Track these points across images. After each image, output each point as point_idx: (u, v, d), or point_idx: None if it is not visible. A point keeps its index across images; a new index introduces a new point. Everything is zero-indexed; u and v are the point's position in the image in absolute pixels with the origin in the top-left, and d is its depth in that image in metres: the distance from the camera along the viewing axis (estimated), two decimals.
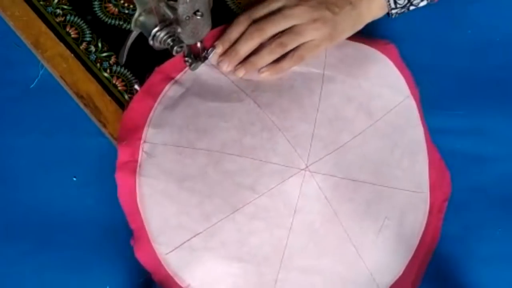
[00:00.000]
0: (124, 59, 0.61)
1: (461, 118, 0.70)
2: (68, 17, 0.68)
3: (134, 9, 0.57)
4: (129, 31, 0.59)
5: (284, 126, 0.60)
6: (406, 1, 0.64)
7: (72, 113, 0.66)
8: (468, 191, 0.68)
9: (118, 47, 0.63)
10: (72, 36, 0.67)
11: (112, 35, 0.67)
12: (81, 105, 0.66)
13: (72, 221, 0.63)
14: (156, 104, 0.63)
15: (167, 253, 0.59)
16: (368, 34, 0.68)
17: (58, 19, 0.68)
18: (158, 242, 0.59)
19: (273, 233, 0.59)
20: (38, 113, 0.67)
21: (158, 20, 0.55)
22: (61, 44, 0.67)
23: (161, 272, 0.59)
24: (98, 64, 0.66)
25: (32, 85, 0.68)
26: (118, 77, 0.66)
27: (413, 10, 0.67)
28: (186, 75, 0.65)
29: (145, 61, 0.65)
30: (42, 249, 0.63)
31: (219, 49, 0.63)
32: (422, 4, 0.65)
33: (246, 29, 0.63)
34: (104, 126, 0.64)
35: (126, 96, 0.65)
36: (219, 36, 0.65)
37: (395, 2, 0.64)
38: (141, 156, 0.61)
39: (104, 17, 0.68)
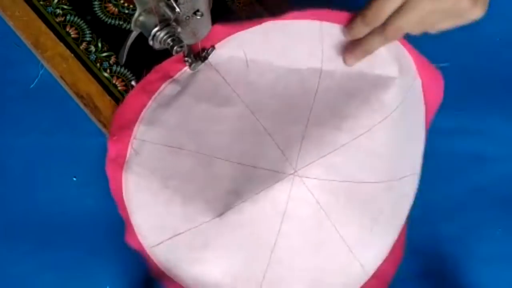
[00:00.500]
0: (124, 59, 0.61)
1: (461, 118, 0.70)
2: (68, 17, 0.68)
3: (134, 9, 0.57)
4: (129, 31, 0.59)
5: (274, 130, 0.59)
6: None
7: (72, 113, 0.67)
8: (468, 191, 0.68)
9: (118, 47, 0.63)
10: (72, 36, 0.67)
11: (112, 35, 0.67)
12: (81, 105, 0.66)
13: (72, 221, 0.64)
14: (150, 102, 0.63)
15: (152, 247, 0.60)
16: None
17: (58, 19, 0.68)
18: (143, 236, 0.60)
19: (260, 238, 0.58)
20: (38, 113, 0.67)
21: (158, 20, 0.55)
22: (61, 44, 0.67)
23: (149, 260, 0.60)
24: (98, 64, 0.66)
25: (32, 85, 0.68)
26: (118, 77, 0.66)
27: None
28: (184, 74, 0.65)
29: (145, 61, 0.65)
30: (42, 249, 0.63)
31: (348, 36, 0.59)
32: None
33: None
34: (104, 126, 0.64)
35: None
36: (219, 36, 0.65)
37: None
38: (129, 152, 0.61)
39: (104, 17, 0.68)
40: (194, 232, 0.59)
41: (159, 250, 0.60)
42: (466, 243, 0.66)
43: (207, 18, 0.58)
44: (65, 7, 0.68)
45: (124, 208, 0.60)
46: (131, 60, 0.63)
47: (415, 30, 0.56)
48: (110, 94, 0.65)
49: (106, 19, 0.68)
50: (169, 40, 0.56)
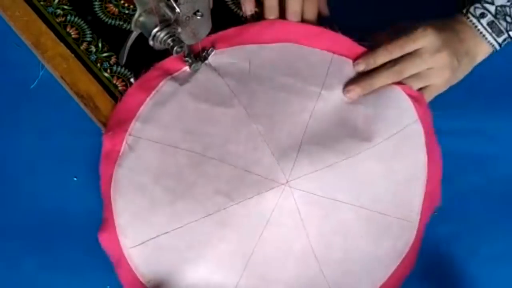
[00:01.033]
0: (124, 59, 0.61)
1: (461, 118, 0.70)
2: (68, 17, 0.68)
3: (134, 10, 0.57)
4: (129, 32, 0.59)
5: (271, 138, 0.60)
6: (506, 35, 0.66)
7: (72, 113, 0.66)
8: (468, 191, 0.68)
9: (118, 47, 0.63)
10: (73, 36, 0.67)
11: (112, 35, 0.68)
12: (81, 105, 0.66)
13: (72, 221, 0.64)
14: (148, 99, 0.63)
15: (131, 247, 0.59)
16: (369, 35, 0.68)
17: (58, 19, 0.68)
18: (124, 235, 0.59)
19: (242, 241, 0.59)
20: (38, 113, 0.67)
21: (158, 21, 0.55)
22: (62, 44, 0.67)
23: (123, 265, 0.60)
24: (99, 64, 0.66)
25: (33, 85, 0.68)
26: (118, 77, 0.66)
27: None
28: (183, 73, 0.65)
29: (145, 61, 0.65)
30: (42, 249, 0.63)
31: (360, 67, 0.65)
32: None
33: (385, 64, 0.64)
34: (105, 126, 0.64)
35: None
36: (222, 39, 0.65)
37: (499, 44, 0.66)
38: (124, 147, 0.61)
39: (104, 17, 0.68)
40: (179, 232, 0.59)
41: (138, 252, 0.59)
42: (466, 243, 0.66)
43: (207, 18, 0.59)
44: (65, 7, 0.68)
45: (109, 204, 0.60)
46: (132, 60, 0.63)
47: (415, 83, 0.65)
48: (111, 94, 0.65)
49: (107, 20, 0.68)
50: (169, 41, 0.57)
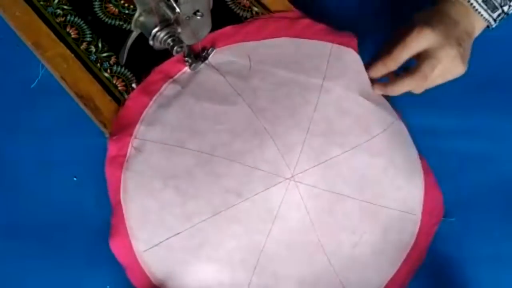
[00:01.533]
0: (124, 59, 0.61)
1: (459, 118, 0.70)
2: (68, 18, 0.68)
3: (134, 9, 0.57)
4: (129, 31, 0.59)
5: (276, 133, 0.61)
6: (500, 11, 0.66)
7: (72, 113, 0.66)
8: (467, 191, 0.68)
9: (118, 47, 0.63)
10: (73, 36, 0.67)
11: (112, 35, 0.68)
12: (81, 105, 0.66)
13: (72, 221, 0.63)
14: (151, 102, 0.63)
15: (144, 251, 0.59)
16: (368, 35, 0.68)
17: (58, 20, 0.68)
18: (137, 238, 0.59)
19: (251, 238, 0.59)
20: (38, 113, 0.67)
21: (158, 20, 0.55)
22: (62, 44, 0.67)
23: (135, 268, 0.59)
24: (99, 64, 0.66)
25: (33, 85, 0.68)
26: (118, 77, 0.66)
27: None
28: (184, 74, 0.65)
29: (145, 61, 0.65)
30: (42, 249, 0.63)
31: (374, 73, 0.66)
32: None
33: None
34: (104, 126, 0.64)
35: (126, 96, 0.65)
36: (221, 37, 0.65)
37: (494, 20, 0.66)
38: (130, 151, 0.61)
39: (104, 17, 0.68)
40: (191, 232, 0.59)
41: (151, 255, 0.59)
42: (466, 243, 0.66)
43: (207, 18, 0.59)
44: (65, 7, 0.68)
45: (119, 211, 0.60)
46: (131, 60, 0.63)
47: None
48: (111, 94, 0.65)
49: (107, 20, 0.68)
50: (169, 40, 0.57)
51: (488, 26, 0.66)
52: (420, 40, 0.62)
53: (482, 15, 0.65)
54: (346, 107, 0.64)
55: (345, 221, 0.61)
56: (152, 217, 0.60)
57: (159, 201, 0.60)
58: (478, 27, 0.66)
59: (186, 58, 0.64)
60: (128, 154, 0.62)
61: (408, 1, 0.73)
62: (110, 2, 0.69)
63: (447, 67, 0.63)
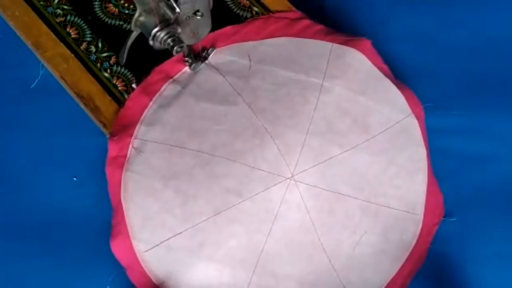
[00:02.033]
0: (124, 59, 0.61)
1: (461, 118, 0.70)
2: (68, 17, 0.68)
3: (134, 9, 0.57)
4: (129, 31, 0.59)
5: (276, 133, 0.61)
6: None
7: (72, 113, 0.66)
8: (468, 191, 0.68)
9: (118, 47, 0.63)
10: (73, 36, 0.67)
11: (112, 35, 0.68)
12: (81, 105, 0.66)
13: (72, 221, 0.63)
14: (151, 103, 0.64)
15: (145, 251, 0.59)
16: (368, 35, 0.68)
17: (58, 19, 0.68)
18: (138, 239, 0.59)
19: (252, 238, 0.59)
20: (38, 113, 0.67)
21: (158, 20, 0.55)
22: (62, 44, 0.67)
23: (136, 268, 0.59)
24: (99, 64, 0.66)
25: (33, 85, 0.68)
26: (118, 77, 0.66)
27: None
28: (184, 75, 0.65)
29: (145, 61, 0.65)
30: (42, 249, 0.63)
31: None
32: None
33: None
34: (104, 126, 0.64)
35: (126, 96, 0.65)
36: (221, 37, 0.65)
37: None
38: (130, 151, 0.62)
39: (104, 17, 0.68)
40: (191, 232, 0.59)
41: (151, 255, 0.59)
42: (465, 243, 0.66)
43: (207, 18, 0.59)
44: (65, 7, 0.68)
45: (119, 211, 0.60)
46: (131, 60, 0.63)
47: None
48: (111, 94, 0.65)
49: (107, 20, 0.68)
50: (169, 40, 0.57)
51: None
52: None
53: None
54: (346, 107, 0.64)
55: (345, 220, 0.61)
56: (152, 217, 0.60)
57: (160, 201, 0.60)
58: None
59: (186, 58, 0.64)
60: (128, 155, 0.62)
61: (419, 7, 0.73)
62: (110, 2, 0.69)
63: None
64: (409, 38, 0.73)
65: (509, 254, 0.66)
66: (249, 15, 0.69)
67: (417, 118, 0.66)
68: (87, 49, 0.67)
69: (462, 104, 0.70)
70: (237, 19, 0.69)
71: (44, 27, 0.67)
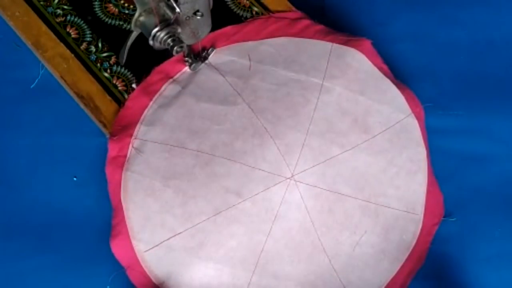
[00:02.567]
0: (124, 59, 0.61)
1: (461, 118, 0.70)
2: (68, 17, 0.68)
3: (134, 9, 0.57)
4: (129, 31, 0.59)
5: (276, 133, 0.61)
6: None
7: (72, 113, 0.67)
8: (468, 191, 0.68)
9: (118, 47, 0.63)
10: (73, 36, 0.67)
11: (112, 35, 0.68)
12: (81, 105, 0.66)
13: (72, 221, 0.63)
14: (151, 103, 0.64)
15: (145, 251, 0.59)
16: (368, 35, 0.68)
17: (58, 19, 0.68)
18: (138, 239, 0.59)
19: (252, 238, 0.59)
20: (38, 113, 0.67)
21: (158, 20, 0.55)
22: (62, 44, 0.67)
23: (136, 268, 0.59)
24: (99, 64, 0.66)
25: (33, 85, 0.68)
26: (118, 77, 0.66)
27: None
28: (184, 75, 0.65)
29: (145, 61, 0.65)
30: (42, 249, 0.63)
31: None
32: None
33: None
34: (104, 126, 0.64)
35: (126, 96, 0.65)
36: (221, 37, 0.65)
37: None
38: (130, 151, 0.62)
39: (104, 17, 0.68)
40: (191, 232, 0.59)
41: (151, 255, 0.59)
42: (465, 243, 0.66)
43: (207, 18, 0.59)
44: (65, 7, 0.68)
45: (119, 211, 0.60)
46: (131, 60, 0.63)
47: None
48: (111, 94, 0.65)
49: (107, 20, 0.68)
50: (169, 40, 0.57)
51: None
52: None
53: None
54: (346, 107, 0.64)
55: (345, 220, 0.62)
56: (152, 218, 0.60)
57: (160, 202, 0.60)
58: None
59: (186, 58, 0.64)
60: (128, 155, 0.62)
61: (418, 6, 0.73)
62: (110, 2, 0.69)
63: None
64: (409, 38, 0.73)
65: (509, 254, 0.66)
66: (249, 15, 0.69)
67: (417, 118, 0.66)
68: (87, 49, 0.67)
69: (462, 104, 0.70)
70: (237, 19, 0.69)
71: (44, 27, 0.67)
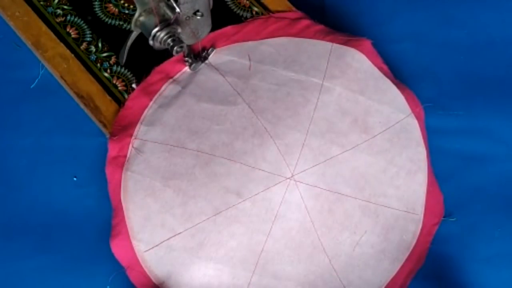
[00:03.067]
0: (124, 59, 0.61)
1: (461, 118, 0.70)
2: (68, 17, 0.68)
3: (134, 9, 0.57)
4: (129, 31, 0.59)
5: (276, 133, 0.61)
6: None
7: (72, 113, 0.67)
8: (468, 191, 0.68)
9: (118, 47, 0.63)
10: (73, 36, 0.67)
11: (112, 35, 0.68)
12: (81, 105, 0.66)
13: (72, 221, 0.64)
14: (151, 103, 0.64)
15: (145, 251, 0.59)
16: (368, 35, 0.68)
17: (58, 19, 0.68)
18: (138, 239, 0.59)
19: (252, 238, 0.59)
20: (38, 113, 0.67)
21: (158, 20, 0.55)
22: (62, 44, 0.67)
23: (136, 268, 0.59)
24: (98, 64, 0.66)
25: (33, 85, 0.68)
26: (118, 77, 0.66)
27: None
28: (184, 75, 0.65)
29: (145, 61, 0.65)
30: (41, 249, 0.63)
31: None
32: None
33: None
34: (105, 126, 0.64)
35: (126, 96, 0.65)
36: (221, 37, 0.66)
37: None
38: (130, 151, 0.62)
39: (104, 17, 0.68)
40: (191, 232, 0.59)
41: (151, 255, 0.59)
42: (465, 243, 0.66)
43: (207, 18, 0.59)
44: (65, 7, 0.68)
45: (119, 211, 0.60)
46: (131, 60, 0.63)
47: None
48: (111, 94, 0.65)
49: (107, 20, 0.68)
50: (169, 40, 0.57)
51: None
52: None
53: None
54: (346, 107, 0.64)
55: (345, 220, 0.62)
56: (152, 218, 0.60)
57: (160, 202, 0.60)
58: None
59: (186, 58, 0.64)
60: (128, 155, 0.62)
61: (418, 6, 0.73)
62: (110, 2, 0.69)
63: None
64: (409, 38, 0.73)
65: (509, 254, 0.66)
66: (249, 15, 0.69)
67: (417, 118, 0.66)
68: (87, 49, 0.67)
69: (462, 104, 0.70)
70: (237, 19, 0.69)
71: (44, 27, 0.67)
